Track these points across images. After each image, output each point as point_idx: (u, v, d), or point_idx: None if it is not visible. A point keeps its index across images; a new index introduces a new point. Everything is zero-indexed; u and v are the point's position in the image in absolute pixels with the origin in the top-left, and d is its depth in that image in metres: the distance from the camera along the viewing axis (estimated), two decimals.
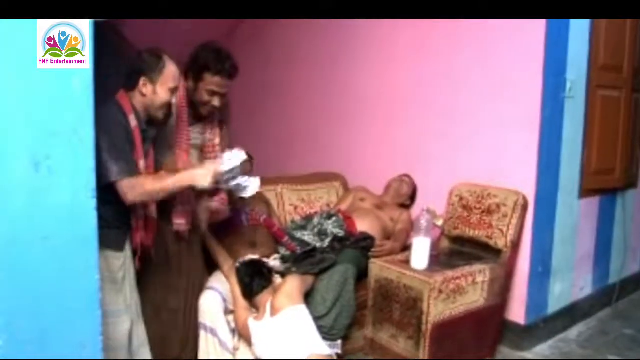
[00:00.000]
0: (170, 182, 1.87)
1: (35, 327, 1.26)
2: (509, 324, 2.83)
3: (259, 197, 2.95)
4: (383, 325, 2.59)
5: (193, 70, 2.16)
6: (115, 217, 1.82)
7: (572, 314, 3.13)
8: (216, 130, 2.34)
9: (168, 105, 1.95)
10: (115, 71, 1.91)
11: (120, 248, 1.89)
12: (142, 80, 1.85)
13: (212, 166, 1.95)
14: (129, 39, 2.90)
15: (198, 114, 2.23)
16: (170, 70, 1.88)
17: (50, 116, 1.27)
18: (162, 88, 1.87)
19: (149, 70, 1.85)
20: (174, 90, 1.91)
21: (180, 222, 2.17)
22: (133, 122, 1.84)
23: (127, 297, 1.93)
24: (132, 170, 1.79)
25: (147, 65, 1.86)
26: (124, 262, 1.91)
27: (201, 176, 1.89)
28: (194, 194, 2.19)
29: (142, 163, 1.87)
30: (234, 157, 1.98)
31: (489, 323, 2.66)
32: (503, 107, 2.81)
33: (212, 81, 2.13)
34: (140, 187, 1.79)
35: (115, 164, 1.73)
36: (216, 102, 2.17)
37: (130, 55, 2.05)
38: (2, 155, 1.20)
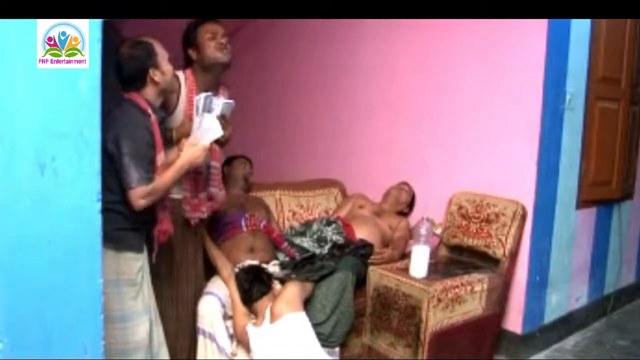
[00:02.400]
0: (170, 174, 1.85)
1: (37, 330, 1.24)
2: (505, 333, 2.83)
3: (258, 202, 2.96)
4: (381, 332, 2.59)
5: (191, 41, 2.22)
6: (137, 218, 1.81)
7: (568, 324, 3.14)
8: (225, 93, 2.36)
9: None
10: (115, 71, 1.91)
11: (140, 249, 1.89)
12: (150, 72, 1.86)
13: (196, 146, 1.91)
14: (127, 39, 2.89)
15: (214, 79, 2.27)
16: (158, 45, 1.91)
17: (56, 117, 1.25)
18: (164, 63, 1.90)
19: (149, 59, 1.86)
20: (169, 58, 1.95)
21: (202, 210, 2.24)
22: (152, 116, 1.86)
23: (146, 298, 1.92)
24: (151, 178, 1.80)
25: (144, 58, 1.86)
26: (142, 263, 1.90)
27: (196, 158, 1.89)
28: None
29: (161, 156, 1.88)
30: (210, 122, 1.94)
31: (486, 332, 2.66)
32: (503, 117, 2.83)
33: (210, 29, 2.21)
34: (155, 190, 1.80)
35: (136, 171, 1.74)
36: (224, 39, 2.21)
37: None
38: (7, 157, 1.18)
